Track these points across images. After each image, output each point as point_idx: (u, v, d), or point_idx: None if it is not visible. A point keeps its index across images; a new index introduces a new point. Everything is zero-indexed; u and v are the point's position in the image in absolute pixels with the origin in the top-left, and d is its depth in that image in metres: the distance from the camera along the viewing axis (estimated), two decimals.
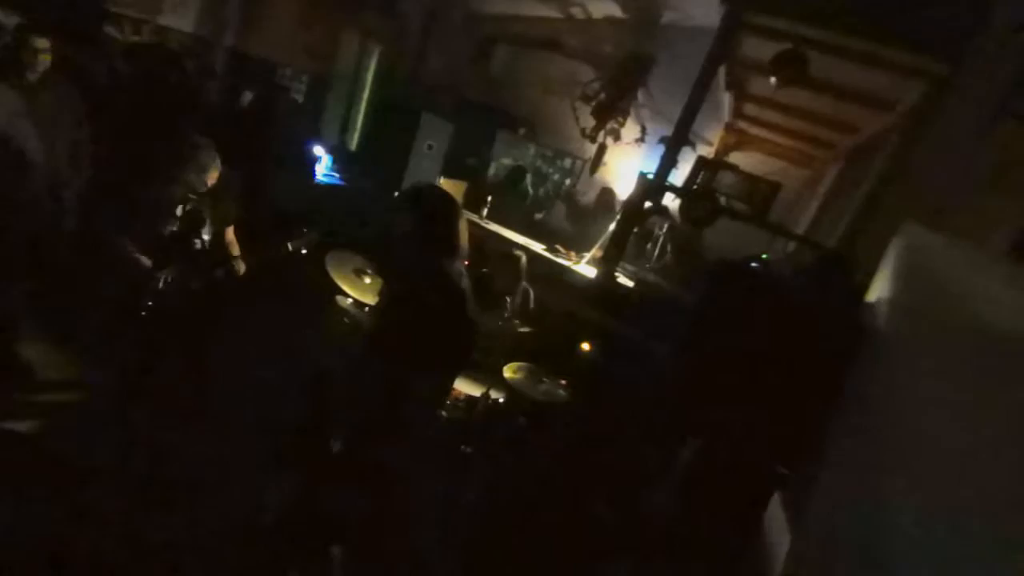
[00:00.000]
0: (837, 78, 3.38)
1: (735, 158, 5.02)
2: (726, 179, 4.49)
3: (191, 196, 2.43)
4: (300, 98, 5.06)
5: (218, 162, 2.46)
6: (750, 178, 4.04)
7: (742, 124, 5.25)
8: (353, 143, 5.86)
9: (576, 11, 5.14)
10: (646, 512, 2.28)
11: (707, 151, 5.10)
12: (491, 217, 4.62)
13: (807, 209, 4.99)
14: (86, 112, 2.43)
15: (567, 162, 5.96)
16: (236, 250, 2.68)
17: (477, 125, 5.63)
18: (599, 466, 2.87)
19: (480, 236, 4.36)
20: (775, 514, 1.98)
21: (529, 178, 5.55)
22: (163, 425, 2.32)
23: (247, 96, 4.07)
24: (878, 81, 3.15)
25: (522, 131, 5.91)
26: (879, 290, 1.70)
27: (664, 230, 4.37)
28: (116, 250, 2.29)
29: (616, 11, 5.01)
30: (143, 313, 2.31)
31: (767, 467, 1.86)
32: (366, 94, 5.75)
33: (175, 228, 2.43)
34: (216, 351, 2.71)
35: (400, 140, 5.03)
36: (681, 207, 3.61)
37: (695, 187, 3.64)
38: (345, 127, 5.85)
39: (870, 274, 1.92)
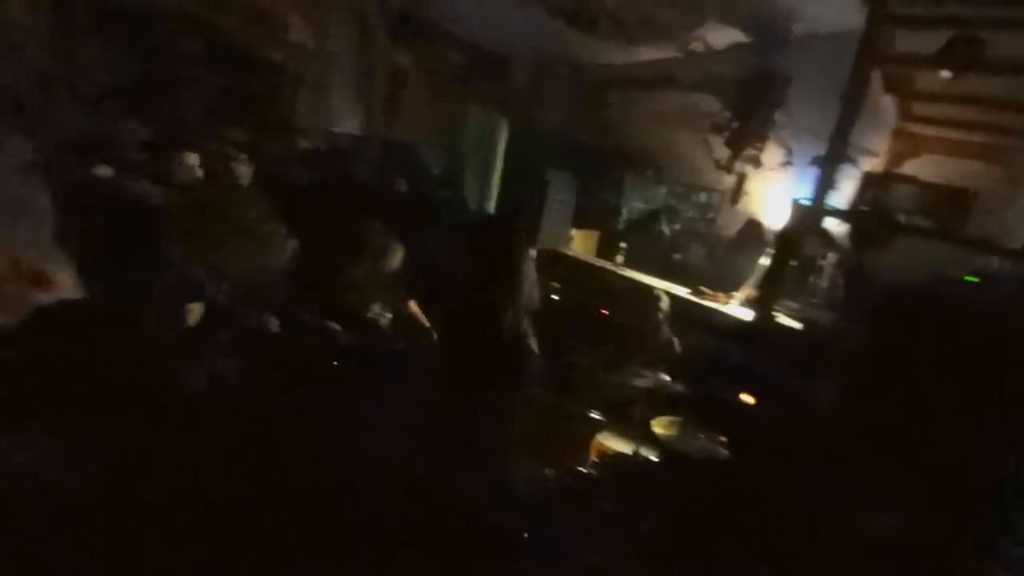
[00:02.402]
0: (1021, 54, 2.80)
1: (911, 167, 4.33)
2: (901, 192, 3.90)
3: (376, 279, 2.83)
4: (439, 171, 5.60)
5: (401, 249, 2.83)
6: (931, 188, 3.46)
7: (914, 127, 4.54)
8: (491, 207, 6.25)
9: (695, 46, 5.00)
10: None
11: (874, 164, 4.48)
12: (627, 264, 4.54)
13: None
14: (282, 208, 2.98)
15: (702, 196, 5.67)
16: (425, 321, 2.99)
17: (602, 173, 5.66)
18: (767, 534, 2.51)
19: (615, 283, 4.29)
20: None
21: (663, 218, 5.37)
22: None
23: (400, 181, 4.60)
24: None
25: (649, 172, 5.79)
26: None
27: (831, 260, 3.86)
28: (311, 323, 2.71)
29: (739, 36, 4.77)
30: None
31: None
32: (498, 160, 6.15)
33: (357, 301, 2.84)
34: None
35: (532, 198, 5.25)
36: (850, 232, 3.18)
37: (863, 207, 3.21)
38: (483, 193, 6.29)
39: None
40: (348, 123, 4.47)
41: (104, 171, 2.31)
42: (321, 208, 3.53)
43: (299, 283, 3.05)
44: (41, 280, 0.78)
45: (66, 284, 0.81)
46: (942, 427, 2.23)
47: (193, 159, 2.73)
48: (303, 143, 4.11)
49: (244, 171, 2.82)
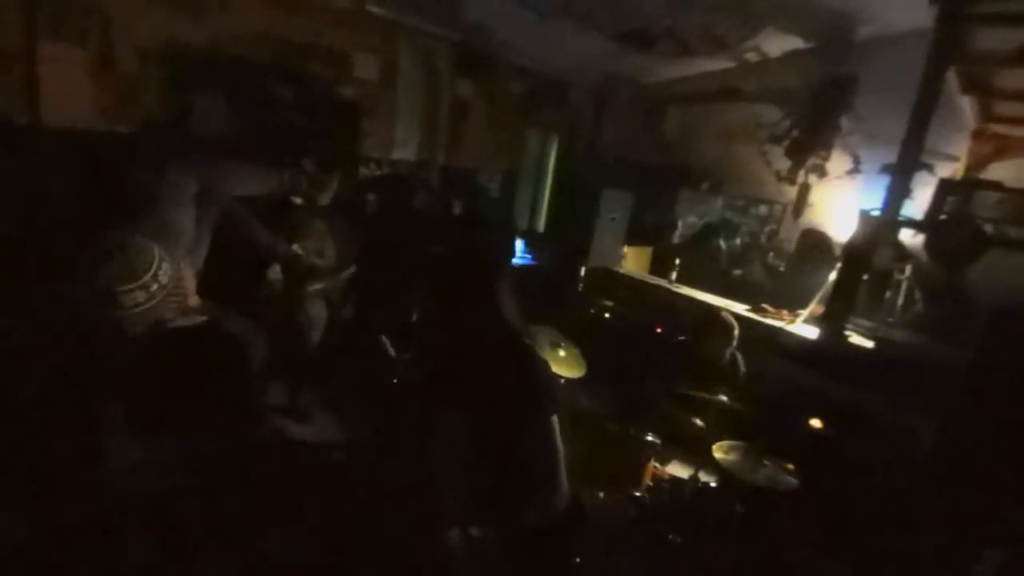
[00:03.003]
0: None
1: (996, 171, 4.00)
2: (987, 200, 3.62)
3: None
4: (496, 193, 5.72)
5: None
6: (1020, 194, 3.19)
7: (997, 128, 4.19)
8: (541, 225, 6.30)
9: (751, 56, 4.86)
10: None
11: (952, 169, 4.16)
12: (681, 280, 4.43)
13: None
14: (352, 229, 3.18)
15: (762, 209, 5.45)
16: None
17: (657, 189, 5.58)
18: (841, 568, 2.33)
19: (674, 302, 4.19)
20: None
21: (720, 233, 5.21)
22: None
23: (456, 203, 4.73)
24: None
25: (704, 186, 5.65)
26: None
27: (908, 274, 3.59)
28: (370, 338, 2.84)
29: (798, 43, 4.59)
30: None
31: None
32: (549, 180, 6.21)
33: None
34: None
35: (584, 217, 5.25)
36: (928, 243, 2.98)
37: (944, 216, 3.00)
38: (533, 212, 6.36)
39: None
40: (411, 151, 4.66)
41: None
42: (384, 231, 3.69)
43: (361, 302, 3.21)
44: (184, 291, 1.10)
45: (193, 295, 1.15)
46: None
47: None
48: (367, 170, 4.34)
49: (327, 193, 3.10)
